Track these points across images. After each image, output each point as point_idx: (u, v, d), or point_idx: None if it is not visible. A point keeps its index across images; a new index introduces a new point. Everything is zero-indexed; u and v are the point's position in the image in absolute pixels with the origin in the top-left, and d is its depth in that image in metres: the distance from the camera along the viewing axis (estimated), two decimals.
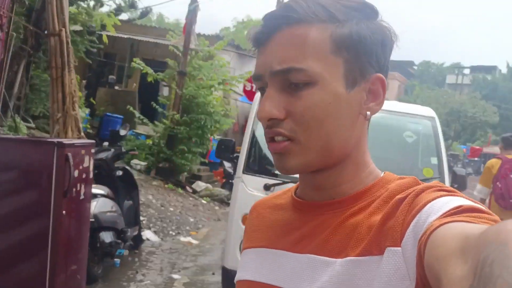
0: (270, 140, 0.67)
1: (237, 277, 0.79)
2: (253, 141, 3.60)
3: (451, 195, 0.57)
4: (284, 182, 3.36)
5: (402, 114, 3.72)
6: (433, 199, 0.56)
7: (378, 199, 0.65)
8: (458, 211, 0.51)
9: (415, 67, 61.29)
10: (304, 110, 0.63)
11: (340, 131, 0.65)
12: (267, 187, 3.36)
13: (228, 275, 3.41)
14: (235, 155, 3.73)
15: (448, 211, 0.52)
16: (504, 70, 44.76)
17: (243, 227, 3.18)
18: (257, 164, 3.57)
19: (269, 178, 3.42)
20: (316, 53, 0.63)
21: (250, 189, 3.40)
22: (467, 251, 0.41)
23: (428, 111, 3.78)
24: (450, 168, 3.92)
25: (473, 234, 0.42)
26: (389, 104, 3.82)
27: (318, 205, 0.70)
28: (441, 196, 0.56)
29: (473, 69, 50.32)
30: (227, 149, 3.72)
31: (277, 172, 3.49)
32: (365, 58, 0.65)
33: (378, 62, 0.67)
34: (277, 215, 0.77)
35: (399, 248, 0.56)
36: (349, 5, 0.65)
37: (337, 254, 0.63)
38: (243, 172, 3.47)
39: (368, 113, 0.67)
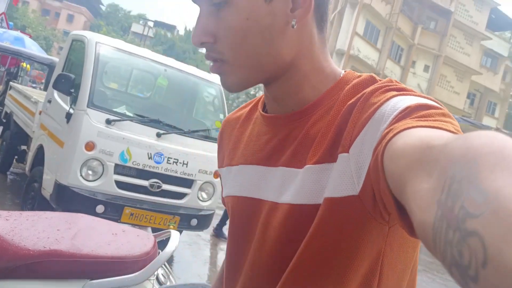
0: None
1: (225, 193, 0.81)
2: (95, 79, 4.18)
3: (400, 94, 0.57)
4: (122, 119, 4.18)
5: (202, 79, 5.06)
6: (381, 104, 0.56)
7: (336, 103, 0.65)
8: (407, 113, 0.51)
9: (103, 7, 60.92)
10: (225, 31, 0.63)
11: (267, 44, 0.64)
12: (108, 122, 4.09)
13: (64, 191, 4.00)
14: (73, 90, 4.17)
15: (397, 115, 0.52)
16: (182, 32, 50.16)
17: (87, 153, 3.96)
18: (99, 101, 4.18)
19: (110, 114, 4.14)
20: None
21: (94, 121, 4.04)
22: (430, 164, 0.40)
23: (217, 79, 5.24)
24: None
25: (434, 144, 0.41)
26: (194, 69, 5.11)
27: (283, 117, 0.71)
28: (390, 98, 0.56)
29: (157, 23, 54.18)
30: (67, 83, 4.09)
31: (117, 109, 4.26)
32: None
33: None
34: (250, 129, 0.78)
35: (347, 154, 0.58)
36: None
37: (303, 164, 0.65)
38: (88, 107, 4.05)
39: (294, 21, 0.64)
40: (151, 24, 51.66)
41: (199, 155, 4.57)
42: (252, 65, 0.66)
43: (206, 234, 5.90)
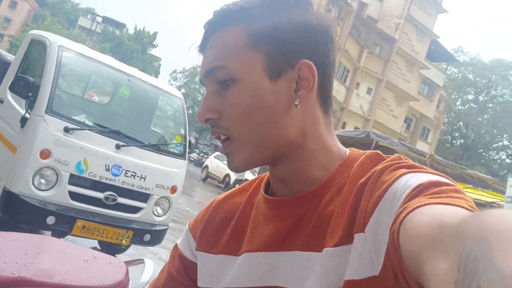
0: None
1: (222, 285, 0.75)
2: (55, 84, 4.01)
3: (411, 171, 0.58)
4: (82, 128, 4.04)
5: (164, 91, 5.00)
6: (393, 182, 0.56)
7: (346, 182, 0.66)
8: (419, 191, 0.52)
9: None
10: (230, 107, 0.66)
11: (271, 122, 0.66)
12: (67, 130, 3.94)
13: (13, 199, 3.79)
14: (30, 93, 3.96)
15: (410, 193, 0.52)
16: (131, 31, 49.00)
17: (41, 161, 3.82)
18: (58, 107, 4.02)
19: (68, 122, 3.99)
20: (235, 51, 0.66)
21: (51, 128, 3.87)
22: (444, 243, 0.40)
23: (179, 93, 5.20)
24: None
25: (448, 222, 0.42)
26: (157, 81, 5.04)
27: (292, 199, 0.70)
28: (401, 175, 0.57)
29: (105, 19, 52.56)
30: (25, 86, 3.88)
31: (76, 117, 4.11)
32: (288, 47, 0.66)
33: (305, 49, 0.67)
34: (253, 216, 0.76)
35: (363, 234, 0.58)
36: (269, 1, 0.68)
37: (321, 247, 0.63)
38: (46, 113, 3.87)
39: (297, 101, 0.67)
40: (99, 19, 50.12)
41: (157, 169, 4.50)
42: (256, 142, 0.67)
43: (153, 247, 5.79)
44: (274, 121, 0.66)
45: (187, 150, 4.88)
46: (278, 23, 0.66)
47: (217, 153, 23.26)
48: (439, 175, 0.56)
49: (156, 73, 51.52)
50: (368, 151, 0.70)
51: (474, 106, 43.13)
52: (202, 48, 0.71)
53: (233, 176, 19.29)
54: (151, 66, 46.85)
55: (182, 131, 4.95)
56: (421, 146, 34.31)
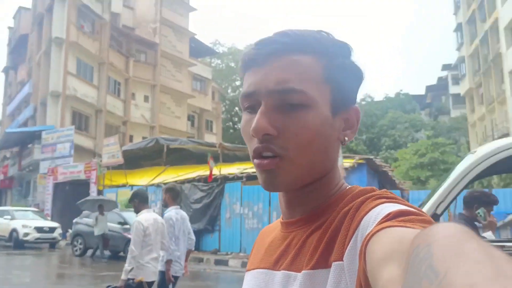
0: (258, 156, 0.70)
1: None
2: None
3: (388, 201, 0.61)
4: None
5: None
6: (367, 212, 0.60)
7: (335, 211, 0.69)
8: (389, 218, 0.55)
9: None
10: (298, 129, 0.68)
11: (324, 151, 0.71)
12: None
13: None
14: None
15: (380, 220, 0.56)
16: None
17: None
18: None
19: None
20: (312, 79, 0.69)
21: None
22: (400, 255, 0.44)
23: None
24: None
25: (406, 238, 0.45)
26: None
27: (291, 223, 0.75)
28: (376, 205, 0.61)
29: None
30: None
31: None
32: (347, 90, 0.73)
33: (355, 94, 0.75)
34: (270, 237, 0.83)
35: (341, 262, 0.61)
36: (336, 42, 0.73)
37: (301, 269, 0.67)
38: None
39: (346, 138, 0.74)
40: None
41: None
42: (308, 166, 0.70)
43: None
44: (326, 151, 0.72)
45: None
46: (346, 68, 0.73)
47: None
48: (412, 207, 0.59)
49: None
50: (365, 188, 0.72)
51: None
52: (259, 62, 0.71)
53: (22, 230, 16.72)
54: None
55: None
56: (209, 138, 36.02)
